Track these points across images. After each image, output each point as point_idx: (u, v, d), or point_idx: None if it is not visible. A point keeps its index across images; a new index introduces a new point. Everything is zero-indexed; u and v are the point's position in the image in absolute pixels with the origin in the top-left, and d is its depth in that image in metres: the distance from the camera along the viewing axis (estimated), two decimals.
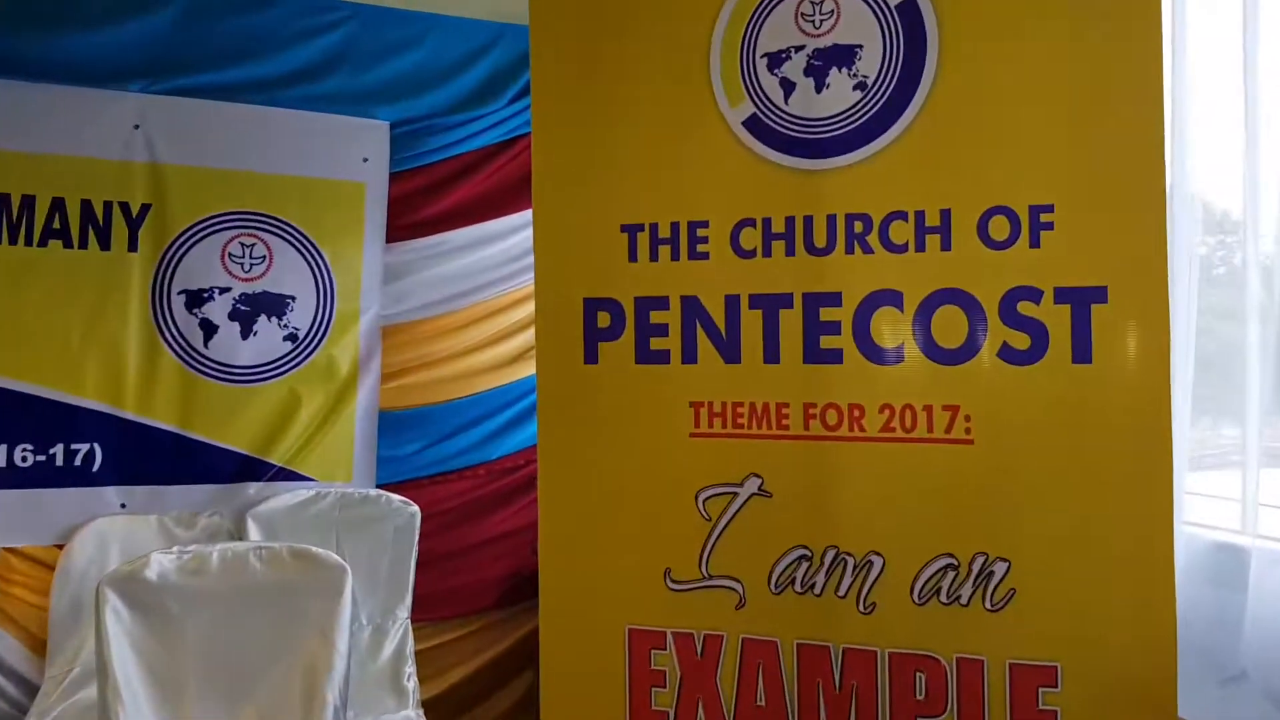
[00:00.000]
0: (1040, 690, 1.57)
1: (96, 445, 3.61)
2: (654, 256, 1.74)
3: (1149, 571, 1.52)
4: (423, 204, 3.84)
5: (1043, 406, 1.56)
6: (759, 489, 1.72)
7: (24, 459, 3.50)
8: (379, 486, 4.04)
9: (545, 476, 1.84)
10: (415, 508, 3.87)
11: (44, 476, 3.52)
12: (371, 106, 3.72)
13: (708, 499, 1.74)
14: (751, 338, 1.71)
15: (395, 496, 3.90)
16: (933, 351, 1.62)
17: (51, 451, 3.53)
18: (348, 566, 2.90)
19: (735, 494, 1.73)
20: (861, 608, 1.66)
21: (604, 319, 1.78)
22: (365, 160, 3.74)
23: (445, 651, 4.08)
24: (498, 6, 3.52)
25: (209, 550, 2.81)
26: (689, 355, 1.74)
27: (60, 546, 3.50)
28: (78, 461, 3.57)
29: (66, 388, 3.54)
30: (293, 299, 3.89)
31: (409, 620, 3.79)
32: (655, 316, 1.75)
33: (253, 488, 3.84)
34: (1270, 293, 1.73)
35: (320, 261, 3.89)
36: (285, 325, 3.87)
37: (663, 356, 1.76)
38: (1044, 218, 1.55)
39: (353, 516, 3.75)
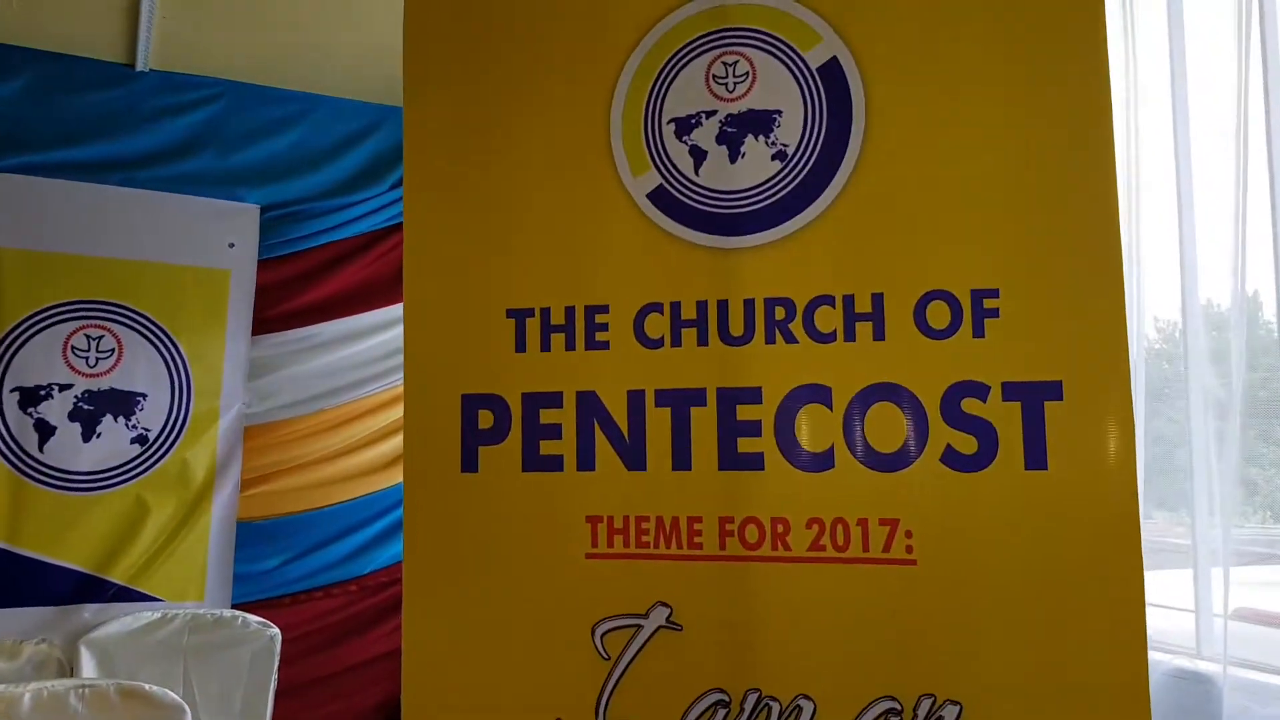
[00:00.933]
0: None
1: None
2: (545, 346, 1.48)
3: (1123, 712, 1.29)
4: (293, 293, 3.50)
5: (994, 519, 1.34)
6: (667, 620, 1.44)
7: None
8: (235, 606, 3.59)
9: (411, 606, 1.52)
10: (275, 630, 3.43)
11: None
12: (240, 189, 3.40)
13: (607, 633, 1.45)
14: (658, 440, 1.45)
15: (253, 618, 3.45)
16: (867, 456, 1.39)
17: None
18: (185, 707, 2.47)
19: (639, 626, 1.44)
20: None
21: (486, 419, 1.50)
22: (231, 245, 3.40)
23: None
24: (384, 87, 3.29)
25: (20, 691, 2.35)
26: (585, 461, 1.47)
27: None
28: None
29: None
30: (143, 396, 3.47)
31: None
32: (546, 416, 1.48)
33: (89, 610, 3.35)
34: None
35: (176, 355, 3.49)
36: (134, 425, 3.45)
37: (555, 463, 1.48)
38: (988, 303, 1.35)
39: (204, 641, 3.29)
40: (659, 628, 1.43)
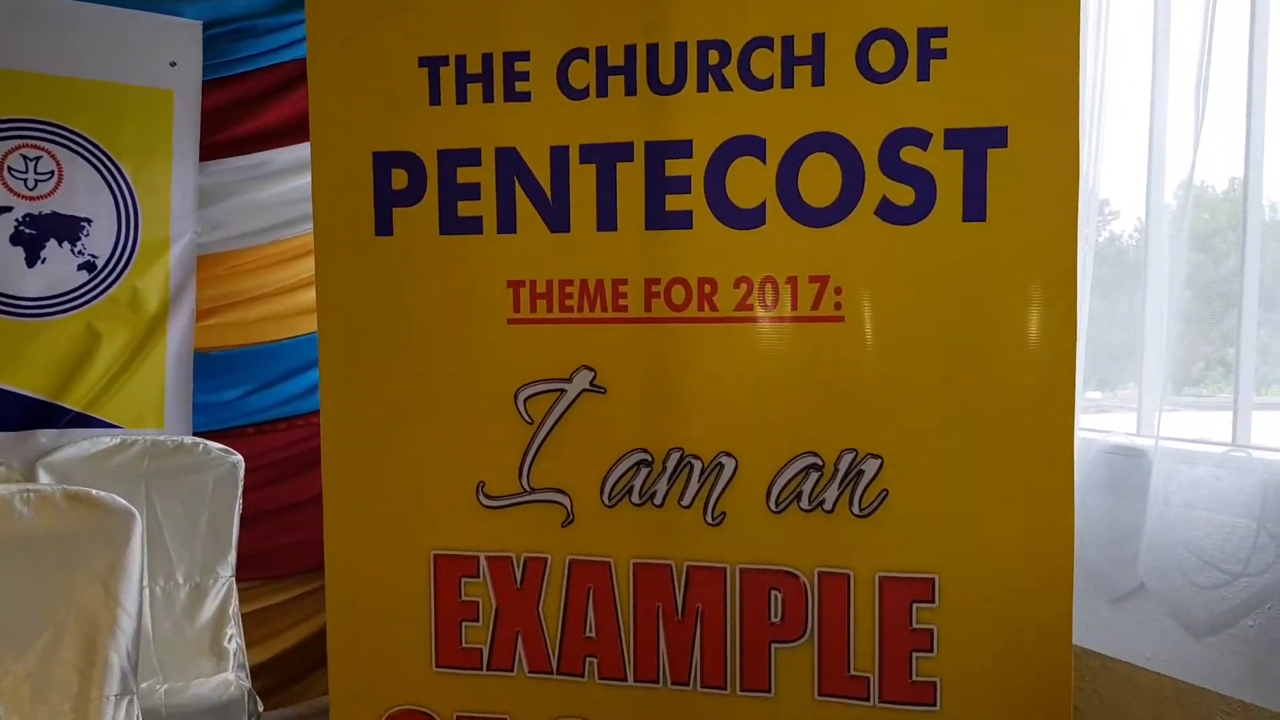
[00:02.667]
0: (914, 606, 1.27)
1: None
2: (461, 98, 1.35)
3: (1045, 468, 1.24)
4: (241, 117, 3.30)
5: (926, 274, 1.26)
6: (591, 384, 1.36)
7: None
8: (196, 435, 3.52)
9: (328, 375, 1.44)
10: (238, 457, 3.35)
11: None
12: (180, 3, 3.17)
13: (530, 398, 1.38)
14: (583, 199, 1.34)
15: (215, 445, 3.37)
16: (800, 212, 1.29)
17: None
18: (135, 513, 2.41)
19: (563, 391, 1.37)
20: (709, 519, 1.33)
21: (399, 179, 1.38)
22: (173, 65, 3.19)
23: (278, 614, 3.59)
24: None
25: None
26: (506, 223, 1.37)
27: None
28: None
29: None
30: (88, 222, 3.30)
31: (233, 580, 3.29)
32: (464, 174, 1.37)
33: (45, 436, 3.25)
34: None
35: (120, 180, 3.31)
36: (80, 252, 3.29)
37: (474, 225, 1.37)
38: (935, 43, 1.23)
39: (165, 467, 3.22)
40: (582, 391, 1.36)
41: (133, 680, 2.23)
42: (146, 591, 3.08)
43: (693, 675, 1.34)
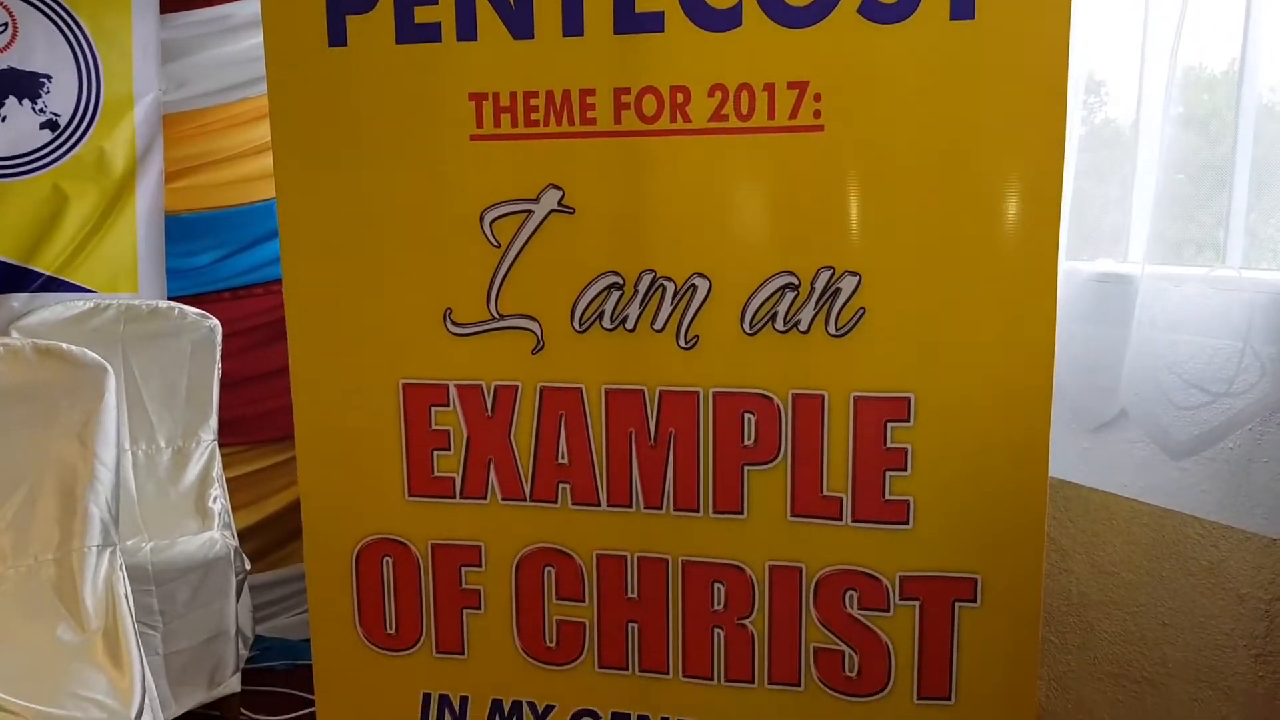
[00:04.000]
0: (889, 425, 1.24)
1: None
2: None
3: (1027, 287, 1.19)
4: None
5: (910, 79, 1.18)
6: (559, 204, 1.29)
7: None
8: (171, 300, 3.44)
9: (285, 199, 1.37)
10: (215, 321, 3.29)
11: None
12: None
13: (496, 220, 1.31)
14: (547, 1, 1.25)
15: (191, 309, 3.30)
16: (777, 11, 1.20)
17: None
18: (108, 367, 2.36)
19: (530, 212, 1.30)
20: (682, 342, 1.28)
21: None
22: None
23: (264, 478, 3.60)
24: None
25: None
26: (466, 29, 1.27)
27: None
28: None
29: None
30: (48, 78, 3.15)
31: (215, 443, 3.28)
32: None
33: (17, 300, 3.18)
34: None
35: (79, 33, 3.15)
36: (41, 110, 3.14)
37: (432, 32, 1.28)
38: None
39: (141, 331, 3.15)
40: (550, 211, 1.30)
41: (114, 532, 2.22)
42: (129, 455, 3.07)
43: (665, 499, 1.32)
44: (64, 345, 2.35)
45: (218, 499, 3.11)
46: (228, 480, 3.31)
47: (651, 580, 1.35)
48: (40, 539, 2.16)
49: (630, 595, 1.36)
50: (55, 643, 2.02)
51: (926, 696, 1.28)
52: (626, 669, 1.37)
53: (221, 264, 3.53)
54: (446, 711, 1.44)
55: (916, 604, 1.26)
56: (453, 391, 1.35)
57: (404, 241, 1.34)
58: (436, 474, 1.38)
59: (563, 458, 1.34)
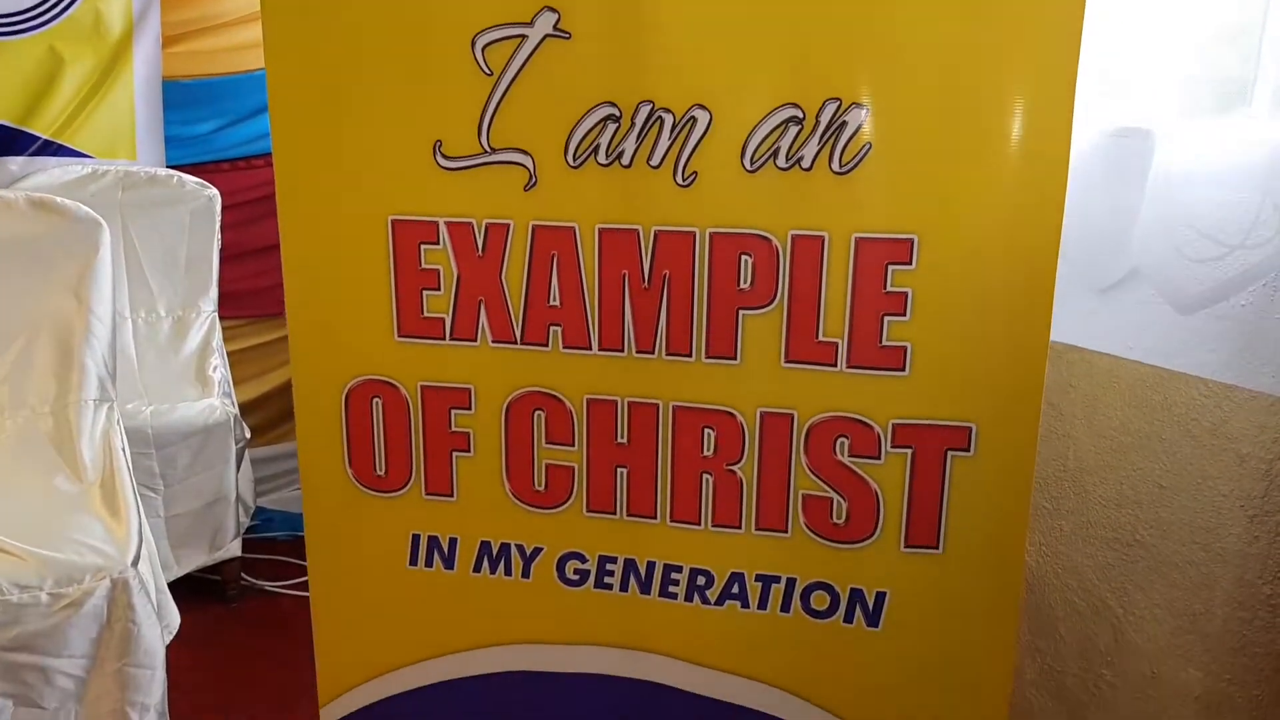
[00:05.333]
0: (890, 268, 1.20)
1: None
2: None
3: (1040, 128, 1.13)
4: None
5: None
6: (554, 28, 1.23)
7: None
8: (170, 168, 3.39)
9: (270, 24, 1.31)
10: (214, 190, 3.25)
11: None
12: None
13: (488, 45, 1.25)
14: None
15: (189, 178, 3.25)
16: None
17: None
18: (103, 223, 2.33)
19: (524, 37, 1.24)
20: (679, 179, 1.24)
21: None
22: None
23: (266, 352, 3.60)
24: None
25: None
26: None
27: None
28: None
29: None
30: None
31: (215, 314, 3.26)
32: None
33: (15, 163, 3.13)
34: None
35: None
36: None
37: None
38: None
39: (140, 199, 3.10)
40: (545, 36, 1.24)
41: (110, 387, 2.22)
42: (129, 322, 3.06)
43: (658, 343, 1.29)
44: (58, 199, 2.31)
45: (218, 368, 3.11)
46: (229, 354, 3.30)
47: (642, 425, 1.33)
48: (37, 392, 2.16)
49: (620, 440, 1.34)
50: (53, 492, 2.04)
51: (914, 545, 1.27)
52: (614, 513, 1.37)
53: (221, 133, 3.46)
54: (435, 552, 1.44)
55: (909, 452, 1.25)
56: (443, 229, 1.32)
57: (393, 69, 1.29)
58: (426, 314, 1.36)
59: (554, 300, 1.31)
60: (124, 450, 2.14)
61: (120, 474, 2.08)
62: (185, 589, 2.73)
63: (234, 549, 2.95)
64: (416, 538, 1.45)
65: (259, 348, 3.53)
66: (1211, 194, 1.28)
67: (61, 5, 3.10)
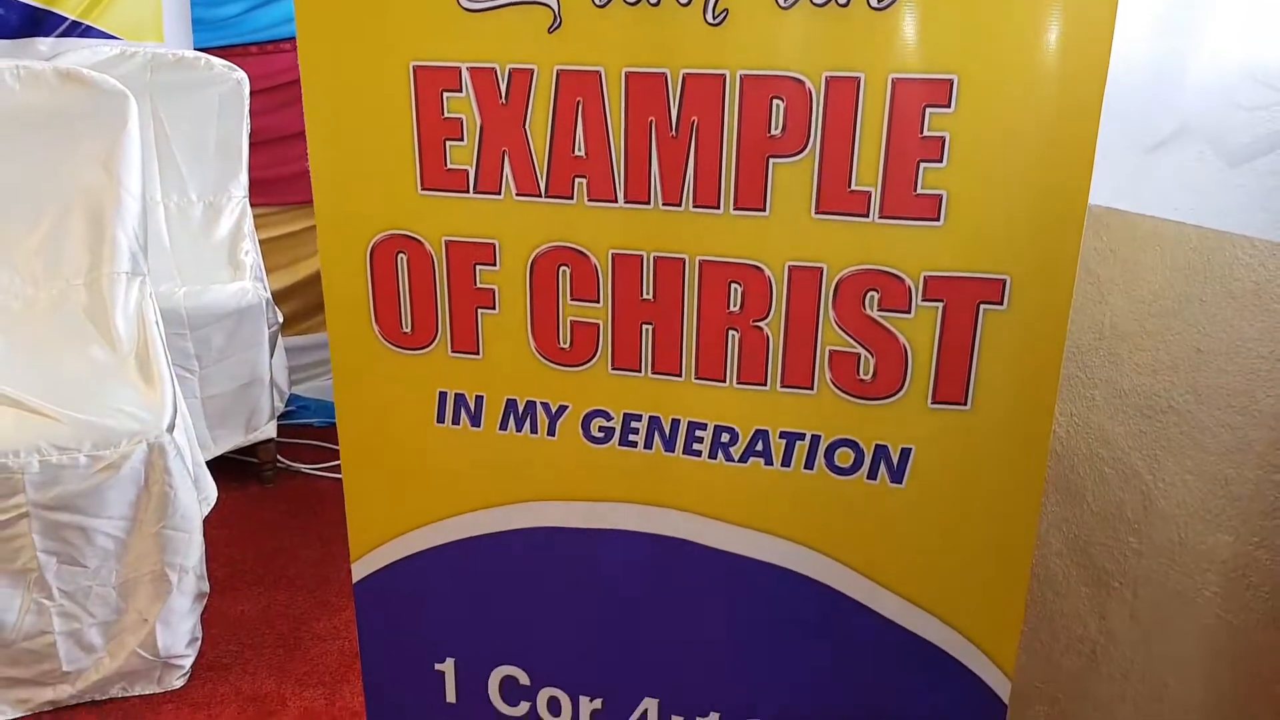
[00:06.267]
0: (928, 111, 1.16)
1: None
2: None
3: None
4: None
5: None
6: None
7: None
8: (197, 50, 3.36)
9: None
10: (242, 74, 3.22)
11: None
12: None
13: None
14: None
15: (218, 60, 3.22)
16: None
17: None
18: (130, 95, 2.31)
19: None
20: (710, 17, 1.19)
21: None
22: None
23: (298, 241, 3.61)
24: None
25: None
26: None
27: None
28: None
29: None
30: None
31: (246, 199, 3.26)
32: None
33: (43, 44, 3.12)
34: None
35: None
36: None
37: None
38: None
39: (169, 81, 3.09)
40: None
41: (142, 261, 2.23)
42: (160, 207, 3.06)
43: (685, 195, 1.26)
44: (85, 70, 2.29)
45: (249, 253, 3.12)
46: (260, 243, 3.31)
47: (667, 280, 1.31)
48: (71, 264, 2.18)
49: (645, 296, 1.33)
50: (89, 362, 2.07)
51: (941, 401, 1.26)
52: (639, 371, 1.36)
53: (248, 16, 3.41)
54: (462, 410, 1.45)
55: (940, 305, 1.22)
56: (465, 75, 1.28)
57: None
58: (450, 166, 1.33)
59: (579, 149, 1.28)
60: (157, 324, 2.16)
61: (154, 345, 2.10)
62: (223, 470, 2.79)
63: (269, 430, 3.01)
64: (444, 395, 1.45)
65: (290, 236, 3.53)
66: (1271, 39, 1.21)
67: None
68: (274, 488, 3.03)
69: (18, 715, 1.93)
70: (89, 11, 3.10)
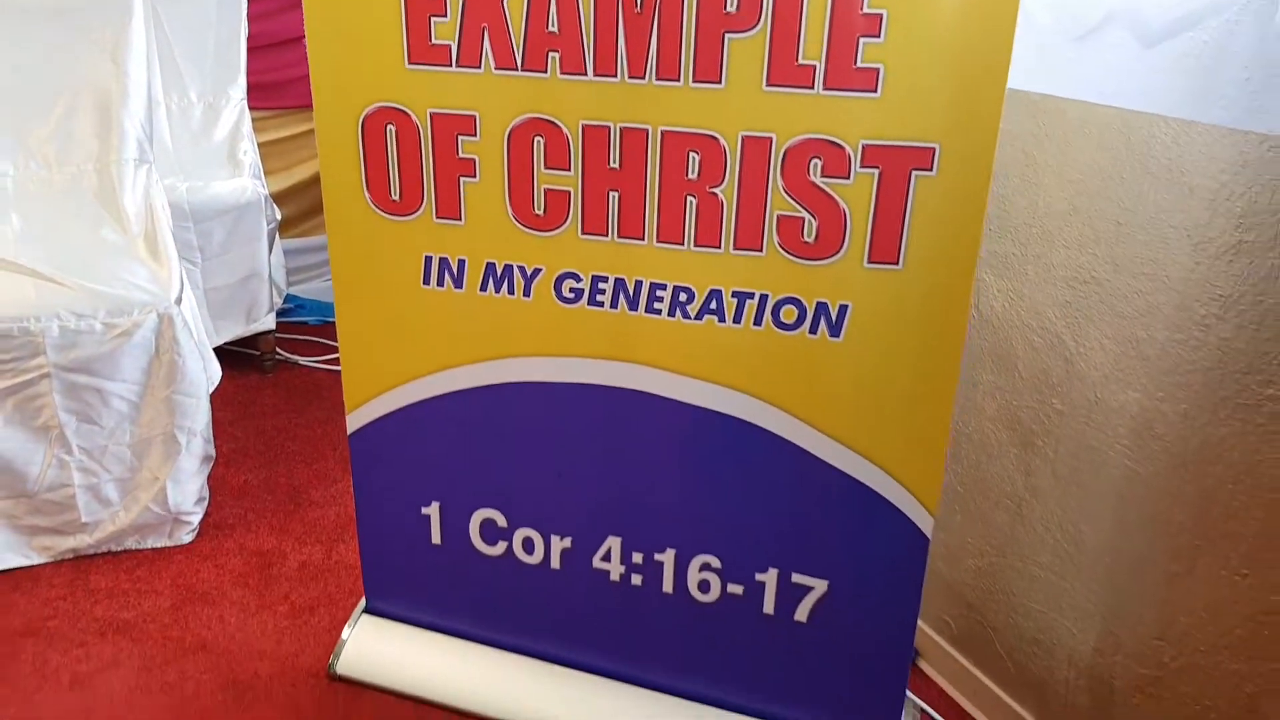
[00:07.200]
0: (861, 42, 1.28)
1: None
2: None
3: None
4: None
5: None
6: None
7: None
8: None
9: None
10: None
11: None
12: None
13: None
14: None
15: None
16: None
17: None
18: None
19: None
20: None
21: None
22: None
23: (294, 145, 3.71)
24: None
25: None
26: None
27: None
28: None
29: None
30: None
31: (245, 102, 3.36)
32: None
33: None
34: None
35: None
36: None
37: None
38: None
39: None
40: None
41: (148, 150, 2.36)
42: (161, 106, 3.16)
43: (648, 68, 1.39)
44: None
45: (248, 153, 3.24)
46: (259, 145, 3.41)
47: (632, 150, 1.44)
48: (81, 150, 2.31)
49: (612, 165, 1.46)
50: (101, 241, 2.21)
51: (876, 260, 1.40)
52: (606, 235, 1.50)
53: None
54: (445, 272, 1.59)
55: (876, 172, 1.35)
56: None
57: None
58: (434, 41, 1.45)
59: (553, 25, 1.40)
60: (164, 208, 2.30)
61: (161, 227, 2.24)
62: (226, 360, 2.95)
63: (268, 322, 3.16)
64: (429, 259, 1.59)
65: (285, 140, 3.64)
66: None
67: None
68: (273, 377, 3.18)
69: (42, 561, 2.12)
70: None
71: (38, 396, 1.98)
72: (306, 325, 3.55)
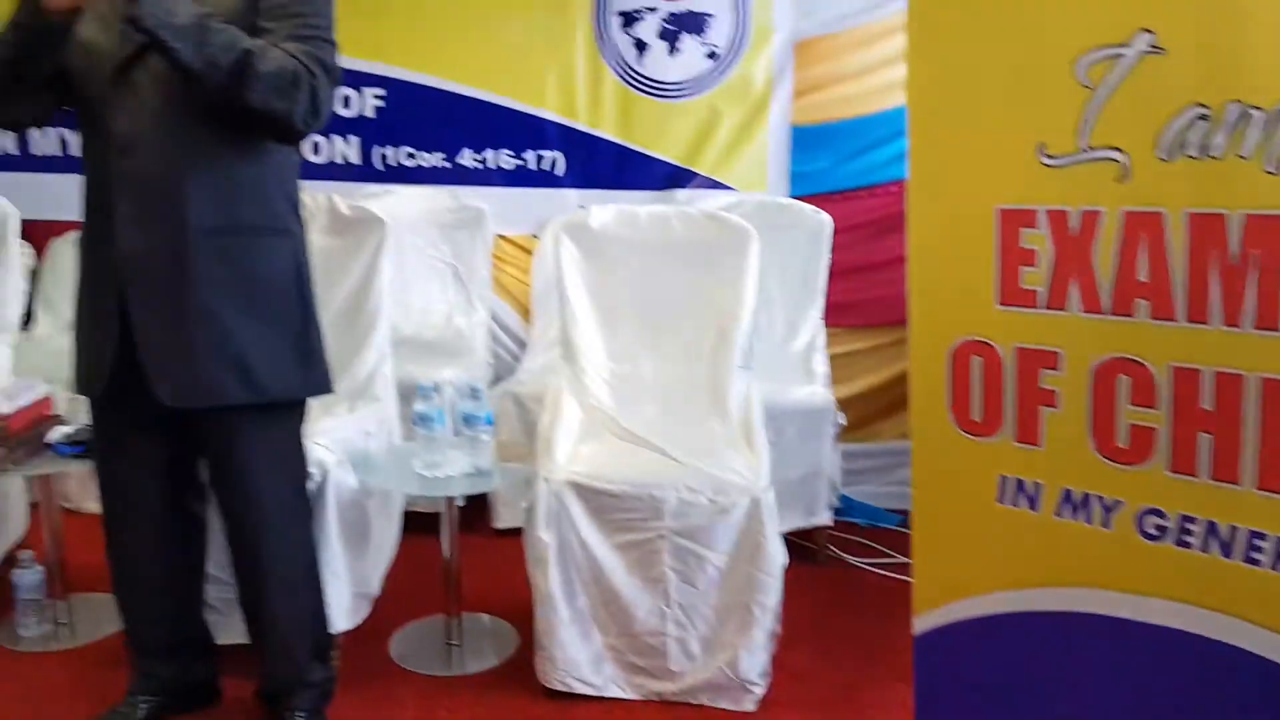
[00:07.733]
0: None
1: (559, 153, 4.04)
2: None
3: None
4: None
5: None
6: (1150, 46, 1.45)
7: (506, 163, 4.03)
8: (793, 198, 4.09)
9: (916, 38, 1.71)
10: (826, 216, 3.88)
11: (522, 178, 4.03)
12: None
13: (1089, 65, 1.51)
14: None
15: (807, 205, 3.93)
16: None
17: (524, 156, 4.02)
18: (754, 231, 3.01)
19: (1121, 55, 1.48)
20: (1269, 166, 1.36)
21: None
22: None
23: (857, 359, 4.15)
24: None
25: (638, 209, 3.08)
26: None
27: (535, 237, 4.04)
28: (545, 166, 4.03)
29: (531, 101, 3.98)
30: (711, 16, 3.95)
31: (821, 320, 3.87)
32: None
33: (682, 194, 4.09)
34: None
35: None
36: (705, 42, 3.96)
37: None
38: None
39: (769, 221, 3.85)
40: (1141, 54, 1.46)
41: (750, 358, 2.88)
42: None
43: (1244, 317, 1.42)
44: (724, 214, 3.04)
45: (821, 364, 3.69)
46: (829, 355, 3.86)
47: (1227, 394, 1.45)
48: (702, 356, 2.89)
49: (1204, 406, 1.47)
50: (709, 430, 2.73)
51: None
52: (1197, 476, 1.50)
53: (835, 169, 4.09)
54: (1021, 494, 1.71)
55: None
56: (1041, 215, 1.60)
57: (1003, 84, 1.61)
58: (1023, 286, 1.64)
59: (1142, 275, 1.51)
60: (759, 407, 2.76)
61: (755, 423, 2.70)
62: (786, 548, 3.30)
63: (825, 518, 3.48)
64: (1005, 479, 1.73)
65: (852, 354, 4.06)
66: None
67: (721, 71, 3.96)
68: (824, 569, 3.47)
69: (634, 697, 2.55)
70: (715, 170, 4.01)
71: (654, 553, 2.46)
72: (856, 525, 3.81)
